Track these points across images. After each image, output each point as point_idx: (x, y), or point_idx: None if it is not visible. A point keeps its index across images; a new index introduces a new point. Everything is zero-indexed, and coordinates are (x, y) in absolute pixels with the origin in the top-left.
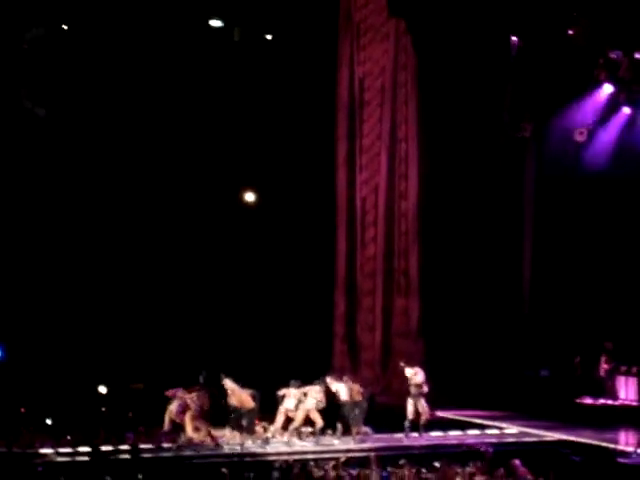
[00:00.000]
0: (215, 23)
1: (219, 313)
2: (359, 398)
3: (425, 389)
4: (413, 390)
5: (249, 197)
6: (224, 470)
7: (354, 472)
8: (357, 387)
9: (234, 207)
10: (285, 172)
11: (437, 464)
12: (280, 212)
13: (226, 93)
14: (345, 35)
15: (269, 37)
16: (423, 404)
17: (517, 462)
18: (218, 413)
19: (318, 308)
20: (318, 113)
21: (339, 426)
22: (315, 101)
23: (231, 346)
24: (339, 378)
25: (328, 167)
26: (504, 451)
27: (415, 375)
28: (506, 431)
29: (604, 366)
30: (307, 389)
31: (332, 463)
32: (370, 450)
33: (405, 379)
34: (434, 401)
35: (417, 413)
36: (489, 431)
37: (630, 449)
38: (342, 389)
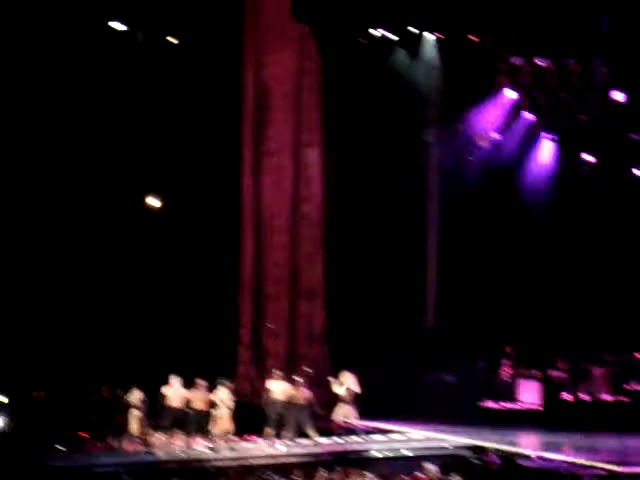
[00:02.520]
0: (118, 26)
1: (124, 319)
2: (299, 402)
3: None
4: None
5: (154, 202)
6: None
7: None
8: (300, 390)
9: (139, 212)
10: (190, 177)
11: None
12: (186, 217)
13: (130, 97)
14: (250, 39)
15: (174, 40)
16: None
17: (431, 467)
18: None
19: (224, 315)
20: (224, 117)
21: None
22: (220, 105)
23: (135, 352)
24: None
25: (234, 172)
26: (411, 456)
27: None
28: (411, 435)
29: (507, 370)
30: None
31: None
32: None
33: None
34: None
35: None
36: (395, 436)
37: (531, 452)
38: (277, 386)
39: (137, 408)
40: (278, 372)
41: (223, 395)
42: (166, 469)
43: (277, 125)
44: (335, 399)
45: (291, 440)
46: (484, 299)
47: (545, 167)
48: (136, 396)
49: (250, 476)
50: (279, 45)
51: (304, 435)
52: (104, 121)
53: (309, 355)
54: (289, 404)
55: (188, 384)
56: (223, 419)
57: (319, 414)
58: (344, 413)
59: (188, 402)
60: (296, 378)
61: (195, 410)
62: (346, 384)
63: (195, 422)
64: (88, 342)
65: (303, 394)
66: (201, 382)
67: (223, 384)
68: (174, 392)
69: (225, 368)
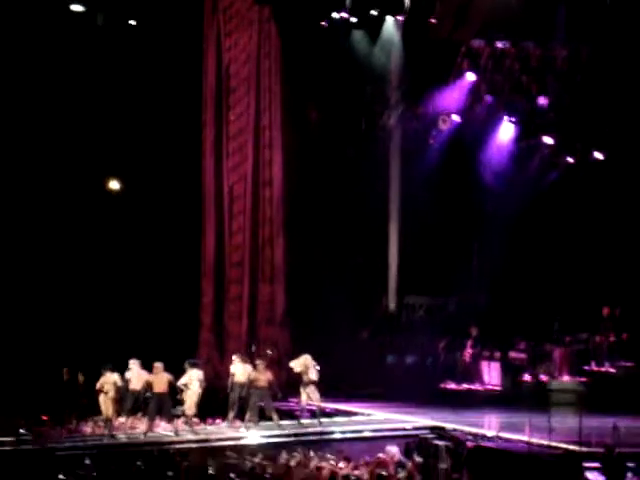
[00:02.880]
0: (77, 8)
1: (85, 302)
2: (260, 384)
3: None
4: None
5: (114, 185)
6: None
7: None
8: (263, 374)
9: (100, 195)
10: (151, 159)
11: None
12: (146, 200)
13: (90, 79)
14: (211, 21)
15: (133, 22)
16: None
17: (392, 448)
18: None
19: (185, 297)
20: (184, 100)
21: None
22: (181, 88)
23: (97, 335)
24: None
25: (195, 154)
26: (372, 437)
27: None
28: (373, 417)
29: (469, 351)
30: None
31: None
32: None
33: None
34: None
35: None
36: (357, 418)
37: (492, 433)
38: (239, 369)
39: (112, 391)
40: (237, 356)
41: (197, 375)
42: (129, 452)
43: (238, 108)
44: (297, 382)
45: (254, 423)
46: (446, 281)
47: (505, 149)
48: (110, 379)
49: (213, 459)
50: (239, 28)
51: (266, 418)
52: (64, 104)
53: (270, 338)
54: (250, 387)
55: (149, 367)
56: (193, 400)
57: (278, 396)
58: (307, 395)
59: (149, 385)
60: (257, 361)
61: (156, 393)
62: (308, 366)
63: (156, 405)
64: (49, 325)
65: (264, 376)
66: (158, 365)
67: (196, 365)
68: (135, 375)
69: (186, 351)
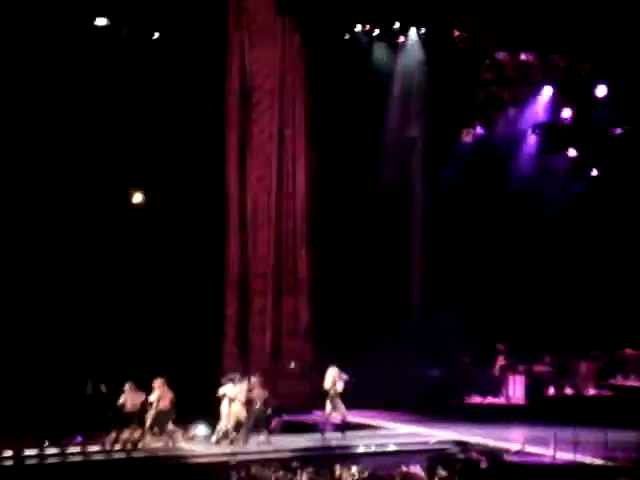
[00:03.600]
0: (101, 22)
1: (109, 315)
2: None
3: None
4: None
5: (137, 197)
6: None
7: None
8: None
9: (124, 207)
10: (175, 172)
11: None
12: (171, 213)
13: (113, 93)
14: (235, 35)
15: (157, 36)
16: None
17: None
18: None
19: (209, 309)
20: (208, 112)
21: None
22: (205, 100)
23: (121, 347)
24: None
25: (218, 167)
26: (396, 451)
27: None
28: (397, 431)
29: (500, 364)
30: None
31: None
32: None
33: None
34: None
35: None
36: (381, 432)
37: (517, 447)
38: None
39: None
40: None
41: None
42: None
43: (262, 121)
44: (322, 394)
45: (245, 441)
46: (469, 293)
47: (531, 161)
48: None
49: (237, 473)
50: (264, 40)
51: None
52: (89, 117)
53: (294, 350)
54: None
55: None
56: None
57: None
58: (333, 407)
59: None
60: (253, 378)
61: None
62: (336, 378)
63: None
64: (71, 338)
65: (260, 394)
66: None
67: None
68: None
69: (210, 363)
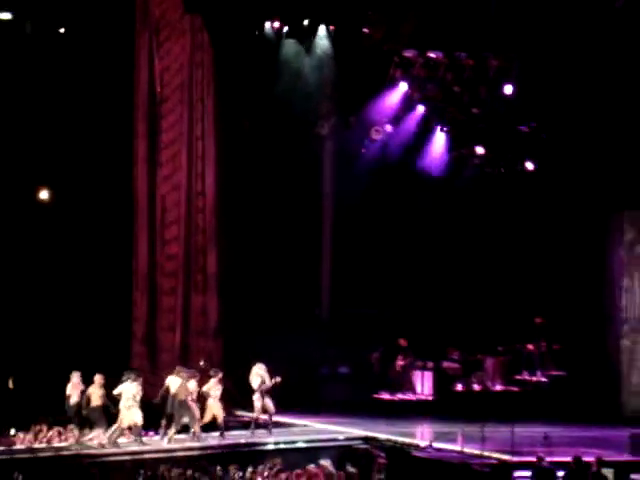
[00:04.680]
0: (4, 16)
1: (15, 313)
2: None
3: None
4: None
5: (44, 195)
6: None
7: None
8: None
9: (30, 205)
10: (82, 168)
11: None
12: (78, 211)
13: (19, 89)
14: (143, 31)
15: (62, 31)
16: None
17: (326, 462)
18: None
19: (117, 309)
20: (116, 108)
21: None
22: (113, 96)
23: (26, 346)
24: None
25: (127, 164)
26: (306, 448)
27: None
28: (307, 428)
29: (400, 362)
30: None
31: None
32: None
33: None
34: (233, 401)
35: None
36: (291, 429)
37: (425, 443)
38: (174, 382)
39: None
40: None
41: (131, 388)
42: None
43: (171, 117)
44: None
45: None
46: (379, 290)
47: (438, 159)
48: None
49: (145, 471)
50: (171, 37)
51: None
52: None
53: (203, 349)
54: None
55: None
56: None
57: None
58: (263, 405)
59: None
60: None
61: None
62: (263, 375)
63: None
64: None
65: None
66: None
67: (133, 378)
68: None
69: (118, 362)
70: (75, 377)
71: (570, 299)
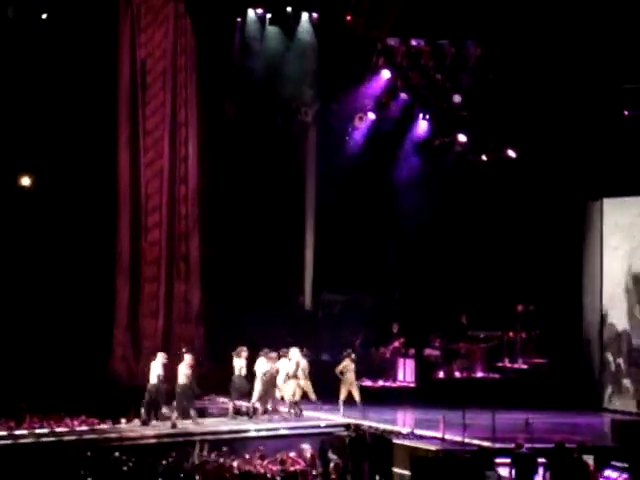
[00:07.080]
0: None
1: None
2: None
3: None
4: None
5: (25, 181)
6: None
7: None
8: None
9: (11, 191)
10: (64, 155)
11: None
12: (59, 196)
13: (0, 74)
14: (125, 16)
15: (45, 16)
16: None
17: (306, 446)
18: None
19: (99, 297)
20: (99, 94)
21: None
22: (96, 82)
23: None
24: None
25: (109, 150)
26: (288, 435)
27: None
28: (289, 415)
29: (393, 346)
30: None
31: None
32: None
33: None
34: (214, 387)
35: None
36: (274, 416)
37: (407, 429)
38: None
39: None
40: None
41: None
42: None
43: (154, 104)
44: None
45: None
46: (362, 278)
47: (420, 146)
48: None
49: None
50: (154, 23)
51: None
52: None
53: (185, 335)
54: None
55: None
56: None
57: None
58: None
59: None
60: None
61: None
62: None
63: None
64: None
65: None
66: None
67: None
68: None
69: (100, 351)
70: (162, 357)
71: (550, 286)
